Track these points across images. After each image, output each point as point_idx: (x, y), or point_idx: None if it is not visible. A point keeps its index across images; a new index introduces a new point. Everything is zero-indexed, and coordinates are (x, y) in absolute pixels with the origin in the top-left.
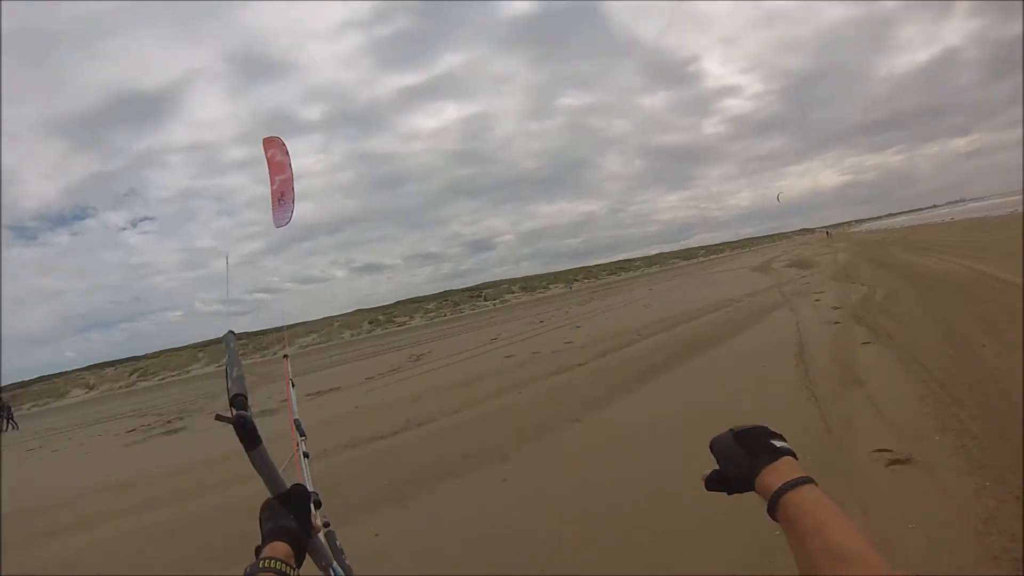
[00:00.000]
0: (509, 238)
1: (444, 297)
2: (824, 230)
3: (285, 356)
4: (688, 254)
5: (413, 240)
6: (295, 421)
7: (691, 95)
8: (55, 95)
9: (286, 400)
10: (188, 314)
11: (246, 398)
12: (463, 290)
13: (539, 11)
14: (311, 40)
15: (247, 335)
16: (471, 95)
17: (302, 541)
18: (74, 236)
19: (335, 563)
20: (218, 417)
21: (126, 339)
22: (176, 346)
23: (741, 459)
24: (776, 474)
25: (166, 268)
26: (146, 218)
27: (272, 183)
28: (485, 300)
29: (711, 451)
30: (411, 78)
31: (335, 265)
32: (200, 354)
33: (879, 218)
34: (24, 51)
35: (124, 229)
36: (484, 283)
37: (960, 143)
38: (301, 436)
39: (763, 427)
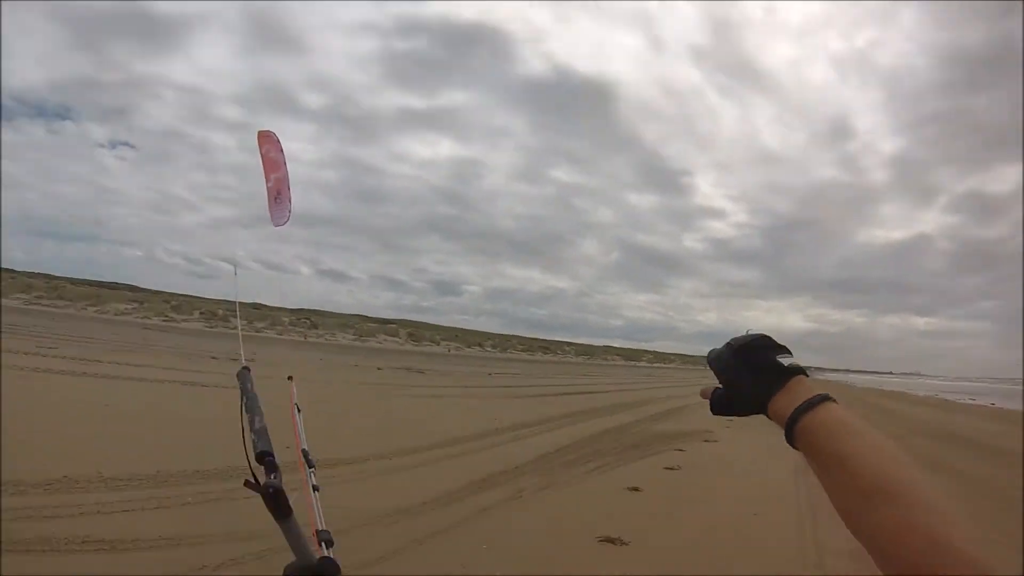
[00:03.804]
0: (476, 289)
1: (349, 323)
2: None
3: (290, 378)
4: (632, 355)
5: (381, 262)
6: (303, 451)
7: (679, 205)
8: None
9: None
10: (148, 258)
11: (274, 456)
12: (376, 320)
13: (553, 80)
14: (330, 28)
15: (200, 299)
16: (468, 138)
17: None
18: (50, 133)
19: None
20: (247, 484)
21: (80, 259)
22: (133, 284)
23: (744, 379)
24: (789, 395)
25: (133, 202)
26: (126, 143)
27: (267, 180)
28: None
29: (709, 366)
30: (414, 101)
31: (300, 260)
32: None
33: (836, 370)
34: None
35: (102, 146)
36: (422, 323)
37: (919, 321)
38: (310, 468)
39: (765, 337)
